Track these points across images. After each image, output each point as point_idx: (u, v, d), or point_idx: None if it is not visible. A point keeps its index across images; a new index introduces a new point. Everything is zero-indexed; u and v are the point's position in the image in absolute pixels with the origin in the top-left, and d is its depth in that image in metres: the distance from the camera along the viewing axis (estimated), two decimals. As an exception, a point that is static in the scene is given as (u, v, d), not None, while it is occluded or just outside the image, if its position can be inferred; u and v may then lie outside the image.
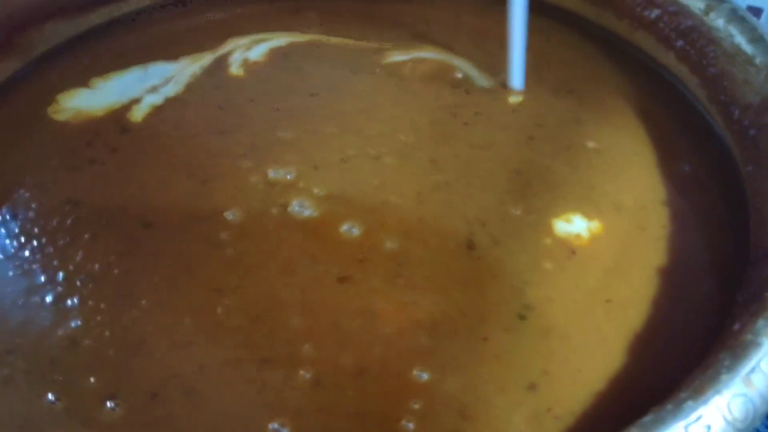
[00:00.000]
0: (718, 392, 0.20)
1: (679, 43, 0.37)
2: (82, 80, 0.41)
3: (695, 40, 0.36)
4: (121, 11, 0.45)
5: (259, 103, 0.39)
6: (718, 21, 0.35)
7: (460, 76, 0.40)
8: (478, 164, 0.35)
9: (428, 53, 0.42)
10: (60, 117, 0.39)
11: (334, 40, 0.43)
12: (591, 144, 0.35)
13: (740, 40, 0.34)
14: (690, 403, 0.20)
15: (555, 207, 0.32)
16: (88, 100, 0.40)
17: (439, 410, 0.26)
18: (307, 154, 0.35)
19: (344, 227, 0.32)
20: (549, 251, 0.31)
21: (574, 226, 0.32)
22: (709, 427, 0.19)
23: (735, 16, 0.34)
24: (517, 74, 0.37)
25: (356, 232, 0.32)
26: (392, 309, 0.29)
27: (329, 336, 0.28)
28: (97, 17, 0.45)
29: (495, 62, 0.39)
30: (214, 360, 0.28)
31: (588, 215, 0.32)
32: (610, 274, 0.30)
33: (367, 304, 0.29)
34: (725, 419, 0.20)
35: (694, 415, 0.20)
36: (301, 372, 0.27)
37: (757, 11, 0.46)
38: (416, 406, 0.26)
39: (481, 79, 0.39)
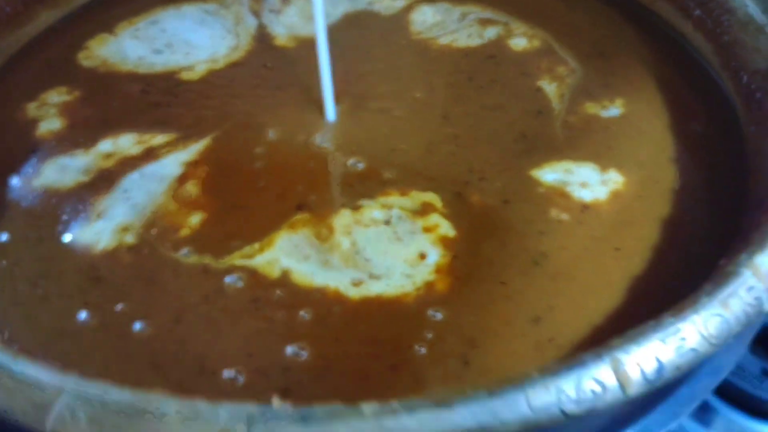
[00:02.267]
0: (695, 312, 0.22)
1: (697, 12, 0.38)
2: (110, 29, 0.43)
3: (712, 9, 0.37)
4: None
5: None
6: (734, -10, 0.36)
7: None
8: (489, 123, 0.36)
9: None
10: (88, 63, 0.41)
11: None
12: (615, 107, 0.37)
13: (753, 10, 0.35)
14: (671, 319, 0.22)
15: (569, 163, 0.34)
16: (112, 48, 0.42)
17: (449, 339, 0.28)
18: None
19: (351, 161, 0.34)
20: (563, 204, 0.32)
21: (590, 180, 0.33)
22: (684, 339, 0.21)
23: (750, -15, 0.35)
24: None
25: (360, 166, 0.34)
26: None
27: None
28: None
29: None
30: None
31: (603, 171, 0.34)
32: (621, 225, 0.32)
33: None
34: (701, 334, 0.21)
35: (672, 329, 0.21)
36: (301, 313, 0.29)
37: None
38: (429, 336, 0.28)
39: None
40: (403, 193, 0.33)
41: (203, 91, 0.39)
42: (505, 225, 0.31)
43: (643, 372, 0.20)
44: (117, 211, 0.33)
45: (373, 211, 0.32)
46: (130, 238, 0.32)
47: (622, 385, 0.20)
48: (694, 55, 0.39)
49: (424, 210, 0.32)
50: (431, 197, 0.32)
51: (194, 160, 0.35)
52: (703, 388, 0.27)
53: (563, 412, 0.20)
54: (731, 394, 0.37)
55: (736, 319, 0.22)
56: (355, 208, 0.32)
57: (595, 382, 0.20)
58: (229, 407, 0.20)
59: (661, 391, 0.25)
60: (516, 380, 0.20)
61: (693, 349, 0.21)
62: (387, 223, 0.31)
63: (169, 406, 0.20)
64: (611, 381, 0.20)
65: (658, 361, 0.21)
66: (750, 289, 0.22)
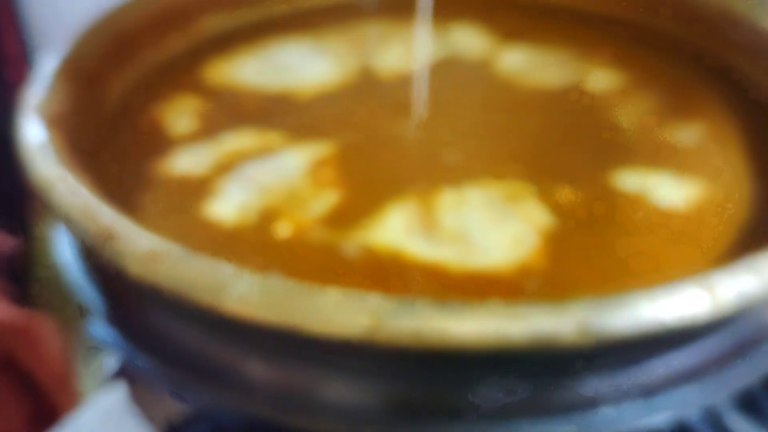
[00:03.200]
0: None
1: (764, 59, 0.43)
2: (233, 55, 0.50)
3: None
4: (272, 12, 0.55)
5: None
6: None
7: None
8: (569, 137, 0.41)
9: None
10: (214, 81, 0.48)
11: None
12: (692, 130, 0.41)
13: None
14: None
15: (649, 171, 0.38)
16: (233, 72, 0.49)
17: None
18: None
19: (453, 157, 0.40)
20: (644, 205, 0.36)
21: (669, 186, 0.37)
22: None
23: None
24: None
25: (461, 160, 0.39)
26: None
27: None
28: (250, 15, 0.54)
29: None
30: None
31: (680, 179, 0.38)
32: (699, 225, 0.35)
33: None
34: None
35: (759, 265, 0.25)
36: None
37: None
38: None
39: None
40: (498, 180, 0.38)
41: (316, 104, 0.45)
42: (593, 219, 0.36)
43: (732, 294, 0.24)
44: (241, 193, 0.38)
45: (472, 191, 0.37)
46: (252, 216, 0.37)
47: (714, 302, 0.24)
48: (763, 97, 0.43)
49: (517, 196, 0.37)
50: (522, 187, 0.37)
51: (311, 155, 0.40)
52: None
53: (662, 324, 0.23)
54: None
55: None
56: (457, 189, 0.37)
57: (690, 299, 0.24)
58: (379, 296, 0.24)
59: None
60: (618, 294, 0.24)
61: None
62: (484, 202, 0.36)
63: (329, 291, 0.24)
64: (705, 298, 0.24)
65: (744, 287, 0.24)
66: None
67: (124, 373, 0.43)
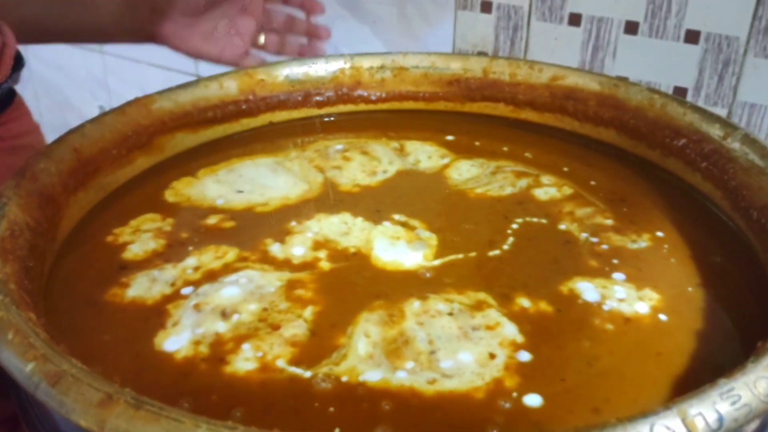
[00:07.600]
0: (744, 375, 0.26)
1: (704, 164, 0.45)
2: (193, 173, 0.50)
3: (717, 161, 0.44)
4: (233, 130, 0.55)
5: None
6: (735, 144, 0.43)
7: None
8: (525, 249, 0.42)
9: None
10: (173, 199, 0.48)
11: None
12: (641, 240, 0.42)
13: (753, 156, 0.41)
14: (724, 380, 0.26)
15: (605, 281, 0.39)
16: (196, 189, 0.49)
17: (519, 425, 0.31)
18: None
19: (419, 270, 0.40)
20: (606, 315, 0.37)
21: (628, 296, 0.38)
22: (739, 396, 0.25)
23: (748, 138, 0.42)
24: None
25: (428, 275, 0.40)
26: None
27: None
28: (212, 133, 0.55)
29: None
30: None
31: (638, 289, 0.38)
32: (659, 334, 0.36)
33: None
34: (752, 392, 0.25)
35: (727, 388, 0.25)
36: (383, 404, 0.32)
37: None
38: (500, 421, 0.31)
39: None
40: (460, 292, 0.38)
41: (279, 219, 0.45)
42: (559, 331, 0.36)
43: (706, 421, 0.24)
44: (192, 321, 0.37)
45: (437, 303, 0.37)
46: (203, 348, 0.35)
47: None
48: (704, 201, 0.45)
49: (479, 306, 0.37)
50: (483, 296, 0.38)
51: (276, 276, 0.40)
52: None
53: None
54: None
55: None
56: (423, 299, 0.38)
57: (666, 428, 0.23)
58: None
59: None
60: (597, 425, 0.23)
61: (746, 404, 0.24)
62: (450, 314, 0.36)
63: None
64: (680, 428, 0.23)
65: (718, 412, 0.24)
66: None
67: None
